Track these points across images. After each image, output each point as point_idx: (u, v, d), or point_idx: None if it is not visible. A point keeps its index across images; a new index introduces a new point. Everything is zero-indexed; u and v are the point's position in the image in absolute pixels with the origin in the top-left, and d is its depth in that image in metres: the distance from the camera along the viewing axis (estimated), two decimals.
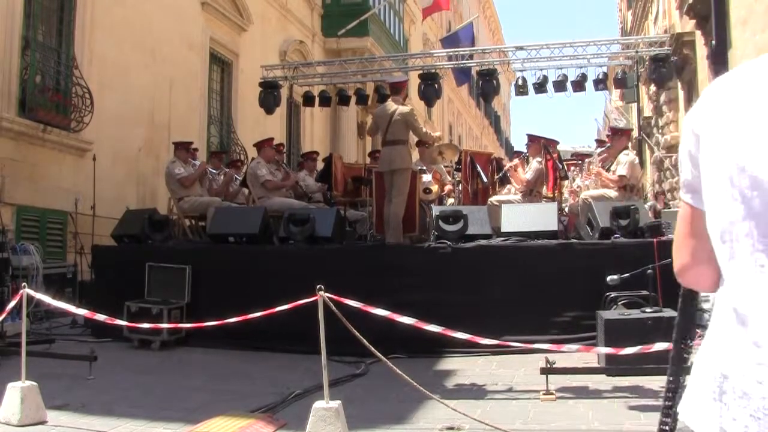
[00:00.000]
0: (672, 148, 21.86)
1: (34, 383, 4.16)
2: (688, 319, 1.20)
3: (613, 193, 7.77)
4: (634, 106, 23.50)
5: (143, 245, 7.67)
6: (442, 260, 6.74)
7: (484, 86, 12.42)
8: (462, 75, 14.66)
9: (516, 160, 9.55)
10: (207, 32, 13.62)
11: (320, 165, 10.40)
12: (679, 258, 1.16)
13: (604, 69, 12.25)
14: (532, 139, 9.21)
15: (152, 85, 11.69)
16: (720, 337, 1.05)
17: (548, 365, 4.57)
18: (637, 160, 8.31)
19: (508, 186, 9.45)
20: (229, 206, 8.79)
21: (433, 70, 12.83)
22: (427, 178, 8.63)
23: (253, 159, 9.62)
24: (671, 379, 1.18)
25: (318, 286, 3.75)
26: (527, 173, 8.91)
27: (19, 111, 9.00)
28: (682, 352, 1.15)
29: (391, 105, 7.44)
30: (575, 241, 7.19)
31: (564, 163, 9.42)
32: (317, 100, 13.44)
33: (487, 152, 13.69)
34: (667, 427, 1.33)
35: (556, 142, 9.26)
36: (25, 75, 9.12)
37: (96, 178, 9.24)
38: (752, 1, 12.11)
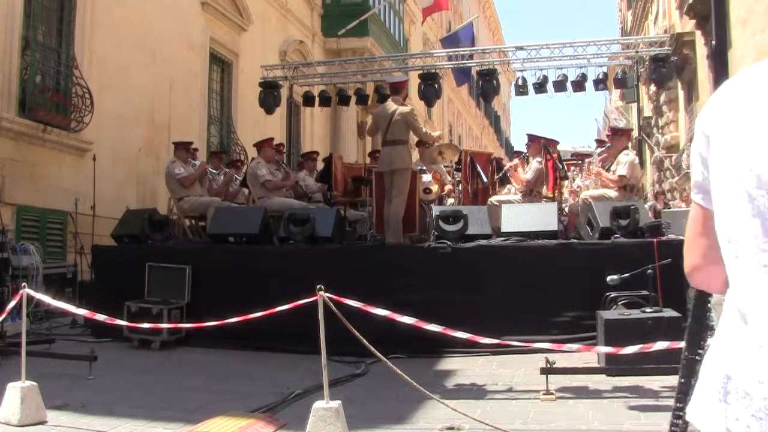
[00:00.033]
0: (672, 148, 21.87)
1: (34, 383, 4.16)
2: (699, 321, 1.20)
3: (613, 193, 7.77)
4: (634, 106, 23.49)
5: (143, 245, 7.66)
6: (442, 260, 6.74)
7: (484, 86, 12.42)
8: (462, 75, 14.66)
9: (516, 160, 9.55)
10: (207, 32, 13.62)
11: (320, 165, 10.39)
12: (690, 259, 1.16)
13: (604, 69, 12.25)
14: (532, 139, 9.21)
15: (152, 85, 11.69)
16: (725, 337, 1.05)
17: (548, 365, 4.57)
18: (637, 160, 8.31)
19: (508, 186, 9.45)
20: (229, 206, 8.79)
21: (433, 70, 12.83)
22: (427, 178, 8.63)
23: (253, 159, 9.61)
24: (682, 381, 1.18)
25: (318, 286, 3.75)
26: (527, 173, 8.91)
27: (19, 111, 9.00)
28: (694, 354, 1.16)
29: (391, 105, 7.44)
30: (575, 241, 7.19)
31: (564, 163, 9.42)
32: (317, 100, 13.44)
33: (487, 152, 13.69)
34: (677, 429, 1.33)
35: (556, 142, 9.26)
36: (25, 75, 9.12)
37: (96, 178, 9.24)
38: (752, 1, 12.12)
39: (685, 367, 1.18)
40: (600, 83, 12.10)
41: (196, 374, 5.69)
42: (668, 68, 11.57)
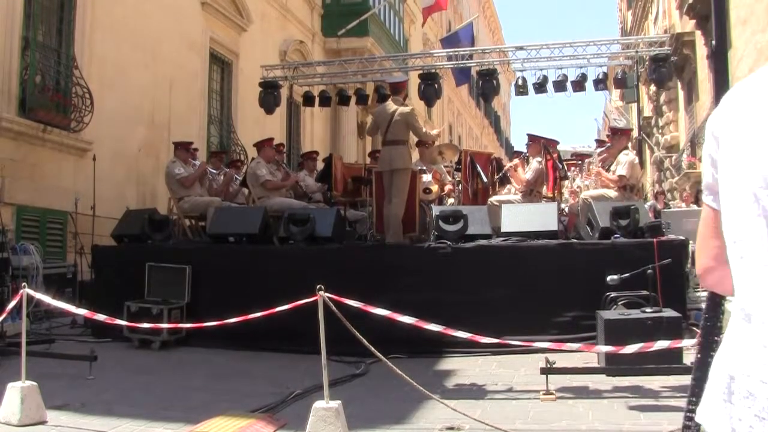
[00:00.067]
0: (672, 148, 21.89)
1: (34, 383, 4.16)
2: (714, 323, 1.20)
3: (613, 193, 7.77)
4: (634, 106, 23.53)
5: (143, 245, 7.66)
6: (442, 260, 6.74)
7: (484, 86, 12.41)
8: (462, 75, 14.66)
9: (516, 160, 9.55)
10: (207, 32, 13.62)
11: (320, 165, 10.40)
12: (702, 260, 1.17)
13: (604, 69, 12.24)
14: (532, 139, 9.21)
15: (152, 84, 11.69)
16: (730, 337, 1.06)
17: (548, 365, 4.57)
18: (637, 160, 8.31)
19: (508, 186, 9.46)
20: (229, 206, 8.80)
21: (433, 70, 12.82)
22: (427, 178, 8.64)
23: (253, 159, 9.61)
24: (694, 383, 1.19)
25: (318, 286, 3.75)
26: (527, 173, 8.91)
27: (19, 111, 9.00)
28: (707, 355, 1.16)
29: (391, 105, 7.44)
30: (575, 241, 7.19)
31: (564, 163, 9.42)
32: (317, 100, 13.43)
33: (487, 152, 13.68)
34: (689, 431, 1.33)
35: (556, 142, 9.26)
36: (25, 75, 9.12)
37: (96, 178, 9.24)
38: (752, 1, 12.13)
39: (698, 369, 1.18)
40: (600, 83, 12.09)
41: (196, 374, 5.69)
42: (668, 68, 11.56)
